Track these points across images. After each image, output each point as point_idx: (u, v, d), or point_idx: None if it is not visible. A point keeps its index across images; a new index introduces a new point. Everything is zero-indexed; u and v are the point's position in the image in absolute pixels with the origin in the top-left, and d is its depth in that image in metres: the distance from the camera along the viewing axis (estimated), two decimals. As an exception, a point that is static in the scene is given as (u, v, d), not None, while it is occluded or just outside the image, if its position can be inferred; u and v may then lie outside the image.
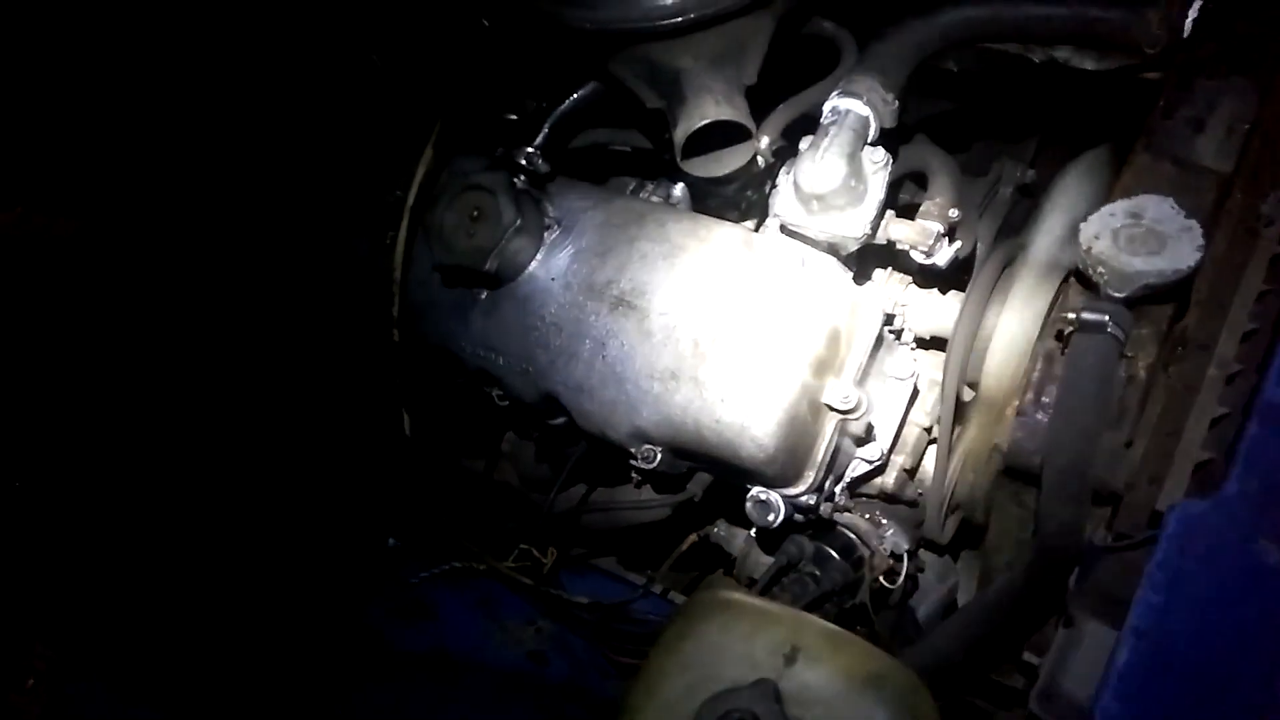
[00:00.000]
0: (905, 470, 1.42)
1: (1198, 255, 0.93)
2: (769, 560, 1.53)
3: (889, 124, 1.28)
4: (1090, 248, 0.95)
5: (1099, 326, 0.92)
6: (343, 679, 1.19)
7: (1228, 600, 0.82)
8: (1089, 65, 1.49)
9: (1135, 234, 0.93)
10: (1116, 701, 0.79)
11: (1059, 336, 1.00)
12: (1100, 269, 0.94)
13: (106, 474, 1.28)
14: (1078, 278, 1.00)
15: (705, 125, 1.18)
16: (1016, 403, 1.06)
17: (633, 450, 1.31)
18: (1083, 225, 0.97)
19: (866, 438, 1.34)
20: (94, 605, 1.02)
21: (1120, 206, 0.96)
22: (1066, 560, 0.97)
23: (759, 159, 1.28)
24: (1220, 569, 0.82)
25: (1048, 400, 1.00)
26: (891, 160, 1.28)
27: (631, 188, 1.56)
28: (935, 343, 1.45)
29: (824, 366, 1.22)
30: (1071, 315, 0.95)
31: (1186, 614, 0.82)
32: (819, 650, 0.82)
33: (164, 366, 1.46)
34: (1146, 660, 0.79)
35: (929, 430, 1.43)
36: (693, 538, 1.57)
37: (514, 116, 1.55)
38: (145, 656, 0.88)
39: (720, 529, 1.59)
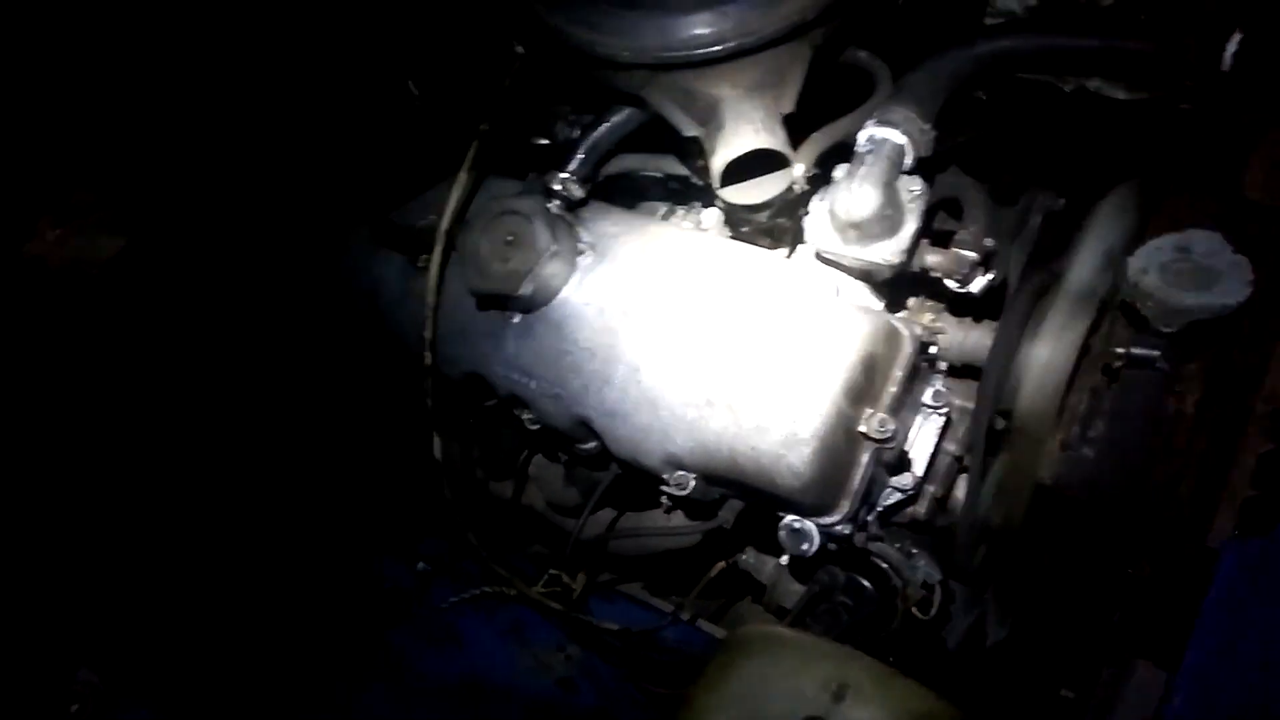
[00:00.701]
0: (936, 499, 1.41)
1: (1248, 290, 0.92)
2: (799, 589, 1.52)
3: (925, 153, 1.28)
4: (1138, 282, 0.94)
5: (1148, 361, 0.92)
6: (373, 708, 1.18)
7: (1282, 640, 0.80)
8: (1120, 95, 1.49)
9: (1184, 268, 0.93)
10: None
11: (1105, 370, 1.00)
12: (1149, 303, 0.94)
13: (148, 501, 1.28)
14: (1124, 311, 0.99)
15: (744, 154, 1.18)
16: (1060, 436, 1.05)
17: (665, 476, 1.30)
18: (1130, 259, 0.97)
19: (900, 467, 1.33)
20: (137, 630, 1.01)
21: (1168, 241, 0.96)
22: (1114, 597, 0.96)
23: (794, 187, 1.28)
24: (1275, 608, 0.81)
25: (1094, 435, 1.00)
26: (928, 189, 1.28)
27: (662, 213, 1.56)
28: (967, 371, 1.45)
29: (860, 395, 1.22)
30: (1120, 350, 0.95)
31: (1241, 655, 0.81)
32: (868, 688, 0.81)
33: (197, 389, 1.47)
34: (1201, 704, 0.78)
35: (960, 459, 1.42)
36: (721, 565, 1.56)
37: (545, 141, 1.56)
38: (188, 680, 0.87)
39: (749, 556, 1.58)
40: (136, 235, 1.32)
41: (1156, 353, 0.92)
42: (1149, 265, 0.94)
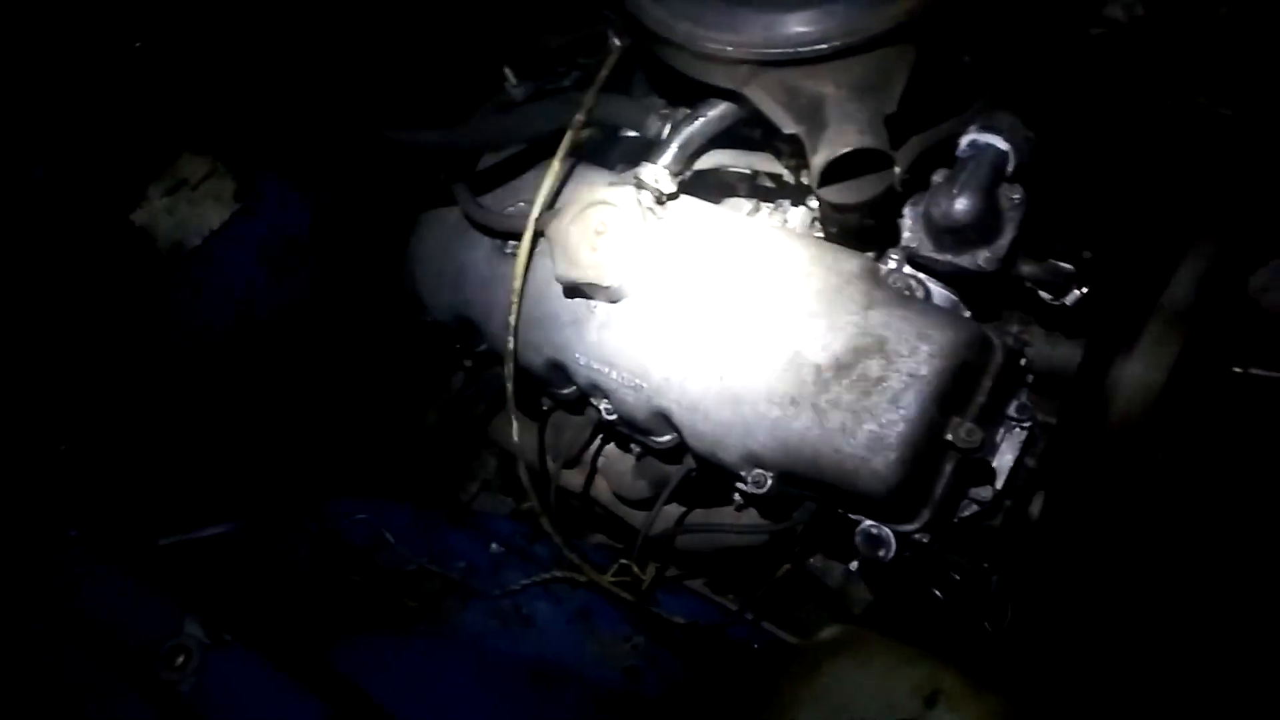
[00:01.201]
0: (1014, 513, 1.39)
1: (1372, 314, 0.90)
2: (868, 596, 1.51)
3: (1027, 160, 1.26)
4: (1258, 300, 0.92)
5: (1267, 381, 0.90)
6: (446, 680, 1.20)
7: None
8: (1228, 111, 1.45)
9: (1308, 288, 0.90)
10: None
11: (1224, 387, 0.97)
12: (1268, 321, 0.91)
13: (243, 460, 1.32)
14: (1240, 329, 0.97)
15: (846, 153, 1.18)
16: (1162, 452, 1.03)
17: (743, 474, 1.30)
18: (1252, 277, 0.95)
19: (982, 477, 1.31)
20: (242, 579, 1.04)
21: (1292, 259, 0.93)
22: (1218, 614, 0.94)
23: (894, 188, 1.27)
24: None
25: (1200, 450, 0.97)
26: (1028, 198, 1.26)
27: (748, 210, 1.56)
28: (1053, 384, 1.43)
29: (949, 403, 1.20)
30: (1238, 370, 0.93)
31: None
32: (960, 698, 0.80)
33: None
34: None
35: (1040, 473, 1.40)
36: (787, 566, 1.56)
37: (634, 134, 1.56)
38: (291, 629, 0.89)
39: (817, 561, 1.58)
40: (244, 205, 1.37)
41: (1276, 374, 0.89)
42: (1270, 284, 0.92)
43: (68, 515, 0.95)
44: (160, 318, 1.44)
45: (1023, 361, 1.36)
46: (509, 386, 1.48)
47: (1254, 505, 0.94)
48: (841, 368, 1.22)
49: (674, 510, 1.59)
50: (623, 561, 1.43)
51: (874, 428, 1.18)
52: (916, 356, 1.19)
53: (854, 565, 1.48)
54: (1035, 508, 1.45)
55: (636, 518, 1.72)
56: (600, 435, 1.69)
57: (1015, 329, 1.43)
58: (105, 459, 1.17)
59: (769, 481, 1.28)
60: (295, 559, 1.25)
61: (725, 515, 1.57)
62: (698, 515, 1.59)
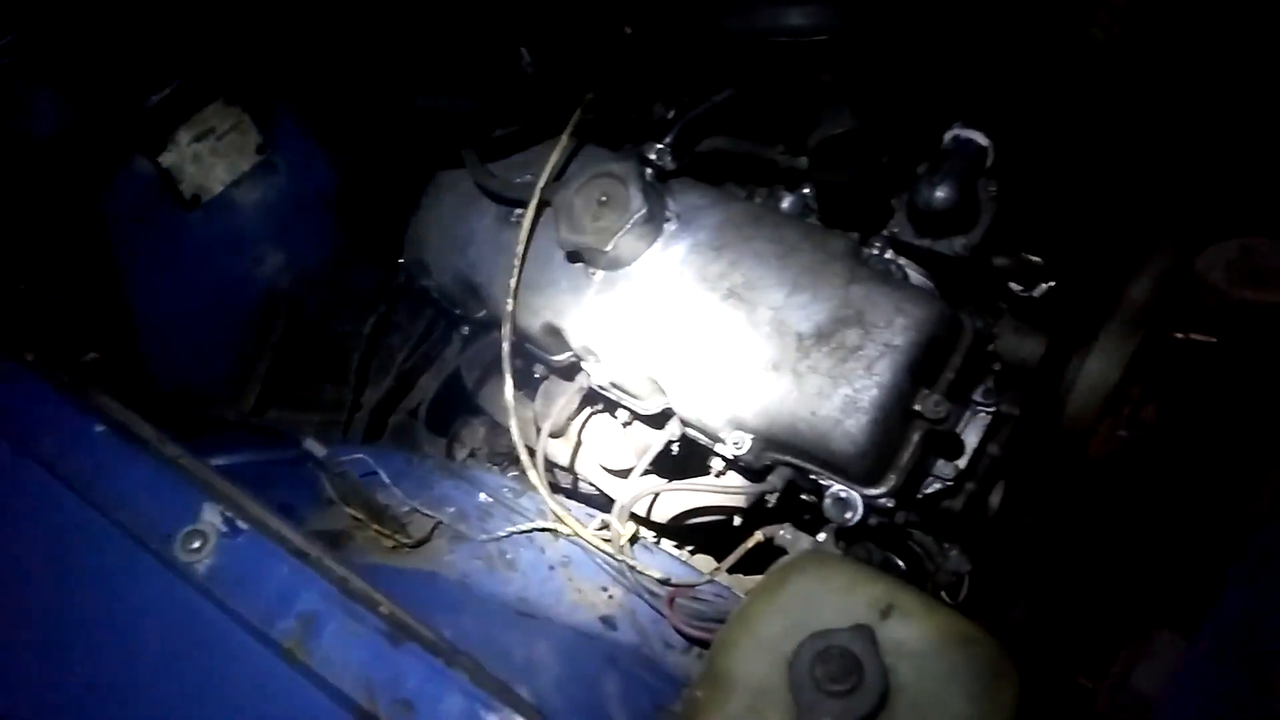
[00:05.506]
0: (974, 496, 1.47)
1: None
2: (834, 565, 1.58)
3: (1005, 157, 1.35)
4: (1204, 276, 1.01)
5: (1205, 348, 0.99)
6: (438, 615, 1.26)
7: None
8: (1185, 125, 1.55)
9: (1246, 267, 1.00)
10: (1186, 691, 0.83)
11: (1163, 357, 1.07)
12: (1211, 296, 1.01)
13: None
14: (1186, 304, 1.06)
15: (839, 134, 1.27)
16: (1109, 421, 1.11)
17: (723, 436, 1.38)
18: (1198, 258, 1.04)
19: (946, 453, 1.40)
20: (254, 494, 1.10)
21: (1233, 244, 1.03)
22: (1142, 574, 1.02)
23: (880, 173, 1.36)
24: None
25: (1145, 416, 1.06)
26: (1004, 191, 1.35)
27: (744, 195, 1.65)
28: (1019, 376, 1.51)
29: (920, 375, 1.29)
30: (1179, 335, 1.02)
31: (1262, 630, 0.85)
32: (914, 610, 0.88)
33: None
34: (1214, 673, 0.82)
35: (1000, 459, 1.48)
36: (758, 536, 1.63)
37: (638, 116, 1.65)
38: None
39: (786, 532, 1.65)
40: (264, 159, 1.43)
41: (1213, 339, 0.98)
42: (1215, 263, 1.02)
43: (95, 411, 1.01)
44: (174, 260, 1.50)
45: (990, 349, 1.45)
46: (505, 347, 1.55)
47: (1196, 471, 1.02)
48: (822, 336, 1.30)
49: (655, 481, 1.66)
50: (604, 517, 1.50)
51: (849, 392, 1.26)
52: (892, 328, 1.27)
53: (821, 537, 1.56)
54: (995, 497, 1.53)
55: (618, 488, 1.78)
56: (589, 406, 1.76)
57: (985, 319, 1.52)
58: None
59: (748, 443, 1.35)
60: (300, 485, 1.31)
61: (704, 484, 1.64)
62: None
